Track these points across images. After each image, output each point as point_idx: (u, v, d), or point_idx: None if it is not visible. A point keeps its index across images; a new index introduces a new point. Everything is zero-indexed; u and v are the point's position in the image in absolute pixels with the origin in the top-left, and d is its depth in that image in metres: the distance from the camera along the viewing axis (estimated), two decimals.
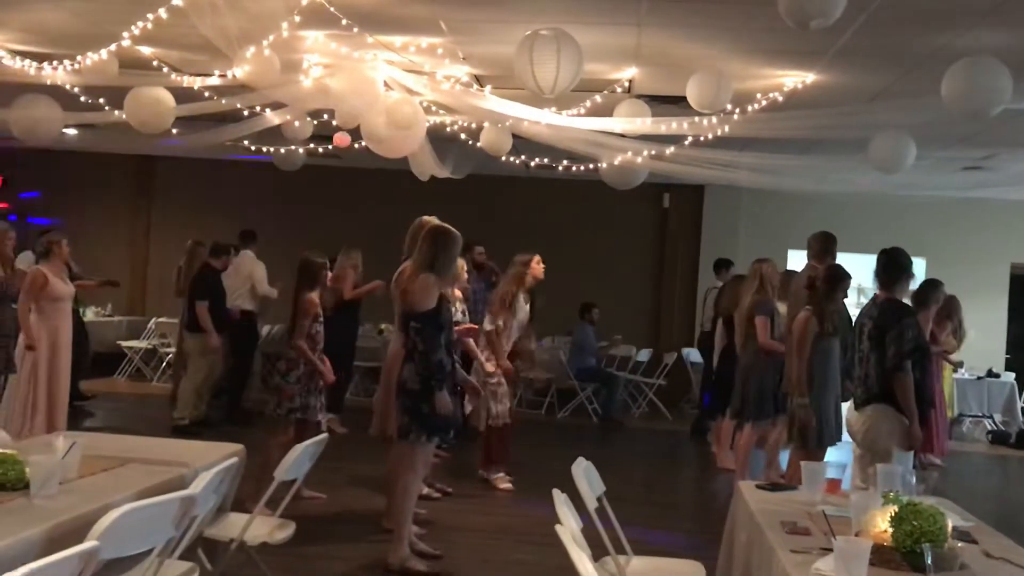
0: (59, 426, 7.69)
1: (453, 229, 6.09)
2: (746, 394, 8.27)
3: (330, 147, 10.34)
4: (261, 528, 4.45)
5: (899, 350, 5.67)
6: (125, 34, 6.66)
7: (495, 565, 6.14)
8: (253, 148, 10.62)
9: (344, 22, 6.48)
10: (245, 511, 4.68)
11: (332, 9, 6.36)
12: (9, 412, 7.91)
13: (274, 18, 6.31)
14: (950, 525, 3.29)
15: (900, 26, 6.45)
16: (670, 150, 8.70)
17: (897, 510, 3.21)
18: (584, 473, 4.22)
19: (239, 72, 7.00)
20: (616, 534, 4.36)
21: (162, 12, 6.22)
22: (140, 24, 6.48)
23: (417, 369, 5.77)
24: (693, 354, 13.39)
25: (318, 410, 7.11)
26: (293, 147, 10.46)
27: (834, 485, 4.30)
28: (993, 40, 6.42)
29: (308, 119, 9.07)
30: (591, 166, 9.77)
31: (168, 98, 7.83)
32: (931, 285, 9.09)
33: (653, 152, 8.76)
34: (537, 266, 8.24)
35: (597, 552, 4.08)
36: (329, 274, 7.42)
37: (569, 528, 3.36)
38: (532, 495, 7.56)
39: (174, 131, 8.89)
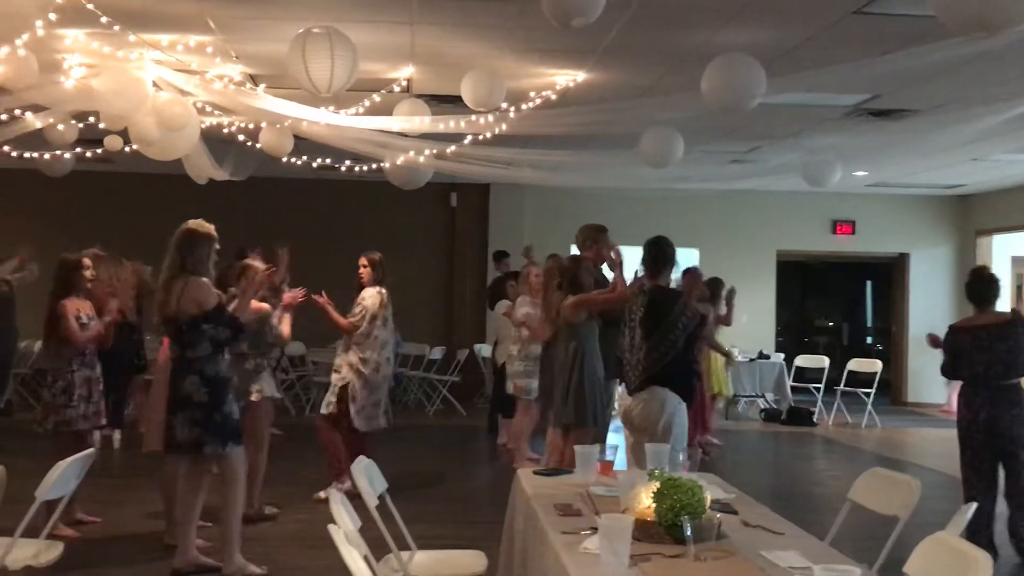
0: None
1: (203, 227, 5.93)
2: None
3: (99, 151, 9.89)
4: (24, 551, 4.23)
5: (686, 329, 5.93)
6: None
7: (277, 573, 6.01)
8: (15, 154, 10.02)
9: (104, 20, 6.22)
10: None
11: (90, 6, 6.09)
12: None
13: (26, 16, 5.98)
14: (709, 498, 3.47)
15: (661, 25, 6.74)
16: (451, 149, 8.79)
17: (659, 486, 3.36)
18: (364, 471, 4.21)
19: None
20: (400, 531, 4.37)
21: None
22: None
23: (203, 380, 5.66)
24: (485, 349, 13.59)
25: (88, 419, 6.77)
26: (59, 152, 9.94)
27: (607, 467, 4.46)
28: (746, 37, 6.80)
29: (73, 122, 8.65)
30: (375, 166, 9.74)
31: None
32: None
33: (435, 151, 8.82)
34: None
35: (381, 551, 4.09)
36: (90, 273, 7.04)
37: (344, 528, 3.35)
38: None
39: None
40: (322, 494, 7.74)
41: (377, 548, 3.89)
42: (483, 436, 11.69)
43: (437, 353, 14.02)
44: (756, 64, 6.38)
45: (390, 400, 8.37)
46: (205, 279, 5.79)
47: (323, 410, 8.10)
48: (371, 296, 8.06)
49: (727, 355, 10.88)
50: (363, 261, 8.19)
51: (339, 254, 13.24)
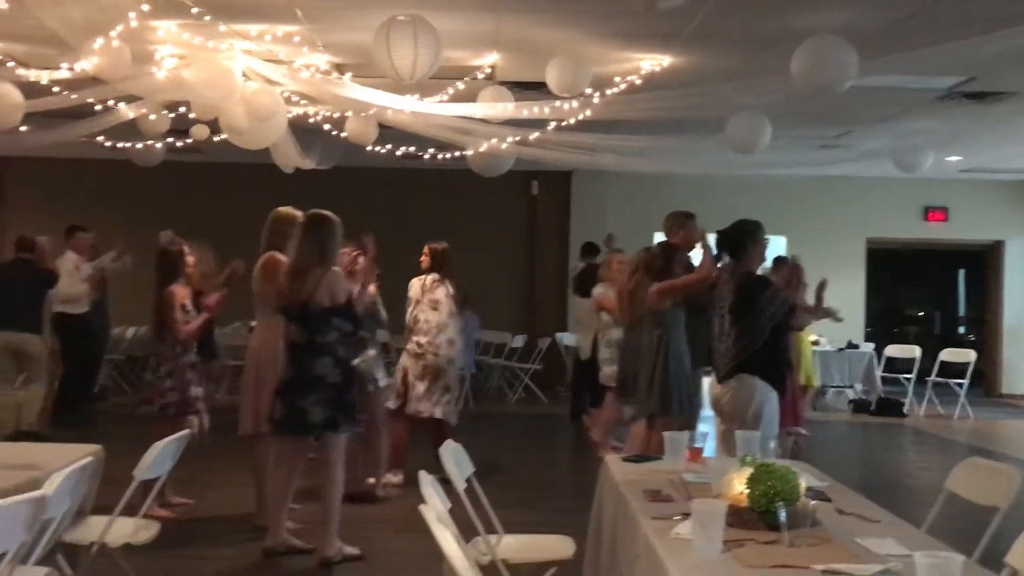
0: None
1: (331, 215, 6.02)
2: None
3: (189, 141, 10.09)
4: (123, 529, 4.33)
5: (774, 317, 5.82)
6: None
7: (371, 555, 6.09)
8: (108, 144, 10.28)
9: (195, 11, 6.33)
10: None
11: None
12: None
13: (121, 8, 6.12)
14: (803, 485, 3.40)
15: (749, 7, 6.64)
16: (535, 135, 8.78)
17: (752, 472, 3.31)
18: (452, 455, 4.23)
19: (88, 65, 6.78)
20: (487, 514, 4.38)
21: (2, 3, 5.97)
22: None
23: (335, 362, 5.75)
24: (566, 338, 13.57)
25: (195, 403, 6.94)
26: (150, 142, 10.17)
27: (696, 453, 4.41)
28: (837, 18, 6.65)
29: (164, 112, 8.84)
30: (458, 154, 9.78)
31: (15, 93, 7.53)
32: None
33: (518, 137, 8.82)
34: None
35: (469, 533, 4.10)
36: (191, 261, 7.21)
37: (434, 508, 3.36)
38: (414, 485, 7.52)
39: (23, 128, 8.55)
40: (371, 480, 7.83)
41: (464, 531, 3.90)
42: (565, 424, 11.66)
43: (519, 341, 14.05)
44: (847, 46, 6.27)
45: (462, 390, 8.35)
46: (340, 271, 5.89)
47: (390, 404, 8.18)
48: (412, 285, 8.12)
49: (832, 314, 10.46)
50: (425, 250, 8.23)
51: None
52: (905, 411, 13.11)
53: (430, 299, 8.06)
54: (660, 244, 7.16)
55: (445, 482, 3.99)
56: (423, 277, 8.14)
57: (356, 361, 6.15)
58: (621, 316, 7.85)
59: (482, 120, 8.28)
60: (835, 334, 13.45)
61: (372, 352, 7.40)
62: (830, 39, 6.29)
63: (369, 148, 9.53)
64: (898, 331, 18.21)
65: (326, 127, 9.39)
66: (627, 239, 10.79)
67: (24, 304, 9.80)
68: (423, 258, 8.19)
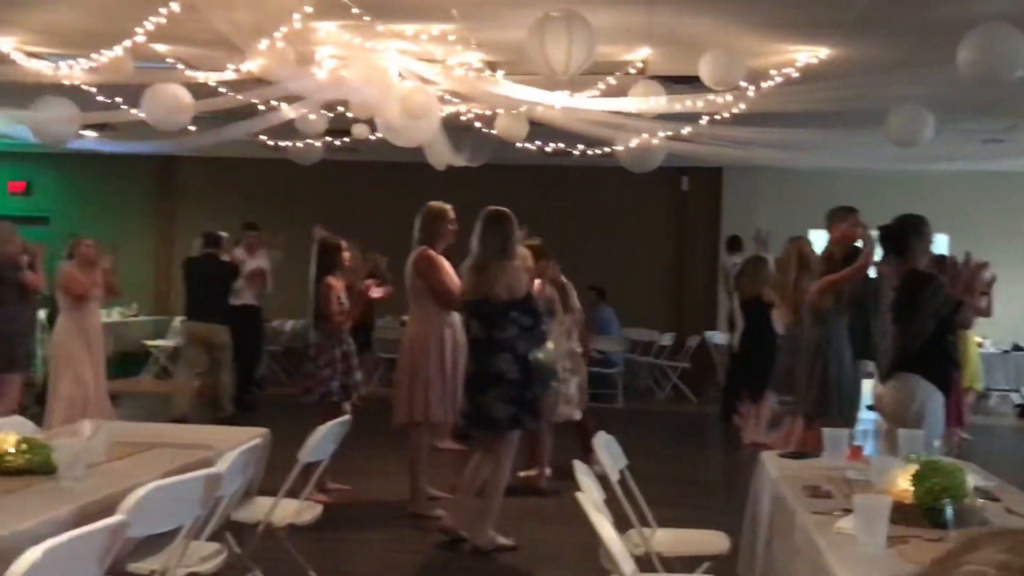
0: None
1: (508, 211, 6.09)
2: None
3: (347, 140, 10.38)
4: (287, 510, 4.50)
5: (937, 315, 5.61)
6: (139, 31, 6.71)
7: (524, 546, 6.14)
8: (271, 143, 10.67)
9: (355, 11, 6.51)
10: None
11: None
12: (48, 408, 8.21)
13: (286, 10, 6.34)
14: (971, 483, 3.29)
15: None
16: (687, 130, 8.69)
17: (918, 468, 3.21)
18: (606, 446, 4.24)
19: (253, 66, 7.05)
20: (640, 507, 4.37)
21: (175, 6, 6.27)
22: (154, 20, 6.53)
23: (515, 358, 5.79)
24: (716, 336, 13.39)
25: (347, 390, 7.16)
26: (310, 141, 10.50)
27: (856, 452, 4.30)
28: (1006, 6, 6.37)
29: (323, 112, 9.11)
30: (607, 150, 9.76)
31: (185, 95, 7.88)
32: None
33: (670, 133, 8.75)
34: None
35: (621, 525, 4.10)
36: (347, 255, 7.46)
37: (591, 496, 3.38)
38: (558, 479, 7.56)
39: (192, 128, 8.95)
40: (521, 474, 7.83)
41: (617, 524, 3.89)
42: (715, 424, 11.51)
43: (667, 339, 13.92)
44: (1017, 33, 6.00)
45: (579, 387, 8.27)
46: (519, 264, 5.97)
47: None
48: None
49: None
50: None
51: (570, 238, 13.37)
52: None
53: None
54: (840, 245, 7.03)
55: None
56: None
57: (539, 356, 6.11)
58: (785, 311, 7.71)
59: (633, 115, 8.24)
60: (1000, 336, 12.91)
61: (551, 345, 7.44)
62: (999, 26, 6.03)
63: (519, 145, 9.60)
64: None
65: (477, 124, 9.52)
66: (780, 236, 10.57)
67: (211, 296, 10.35)
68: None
